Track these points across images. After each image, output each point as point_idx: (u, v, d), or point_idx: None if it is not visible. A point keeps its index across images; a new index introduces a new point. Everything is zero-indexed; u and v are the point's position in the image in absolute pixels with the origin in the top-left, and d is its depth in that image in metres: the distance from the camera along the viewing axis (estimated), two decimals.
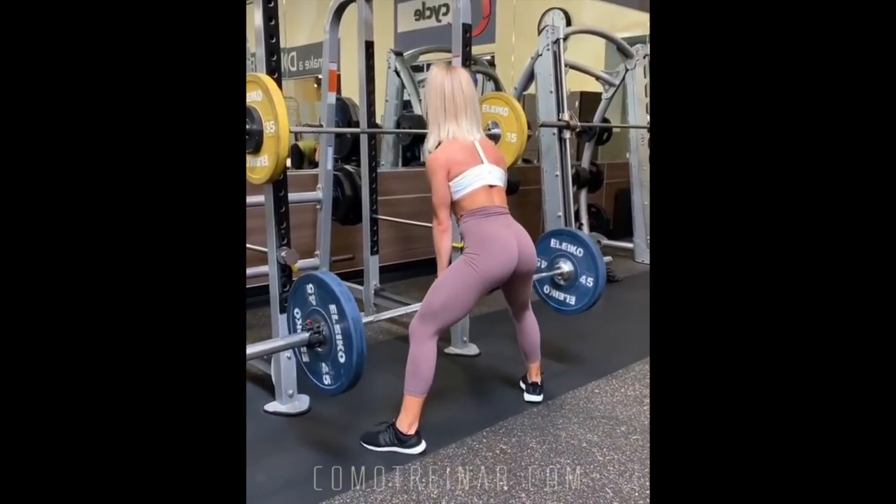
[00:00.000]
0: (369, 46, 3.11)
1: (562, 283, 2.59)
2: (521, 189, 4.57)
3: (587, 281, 2.51)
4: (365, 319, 2.13)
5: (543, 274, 2.60)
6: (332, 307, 1.77)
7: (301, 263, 3.63)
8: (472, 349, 2.86)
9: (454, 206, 2.01)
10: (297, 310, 1.91)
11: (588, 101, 5.96)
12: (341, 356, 1.76)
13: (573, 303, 2.58)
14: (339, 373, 1.78)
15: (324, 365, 1.83)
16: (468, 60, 2.64)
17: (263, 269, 2.50)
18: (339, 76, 3.45)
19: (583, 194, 5.24)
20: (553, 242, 2.61)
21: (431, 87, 1.98)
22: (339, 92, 3.54)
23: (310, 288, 1.84)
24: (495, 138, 2.78)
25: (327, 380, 1.84)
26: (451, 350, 2.84)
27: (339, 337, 1.76)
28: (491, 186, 2.00)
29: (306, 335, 1.83)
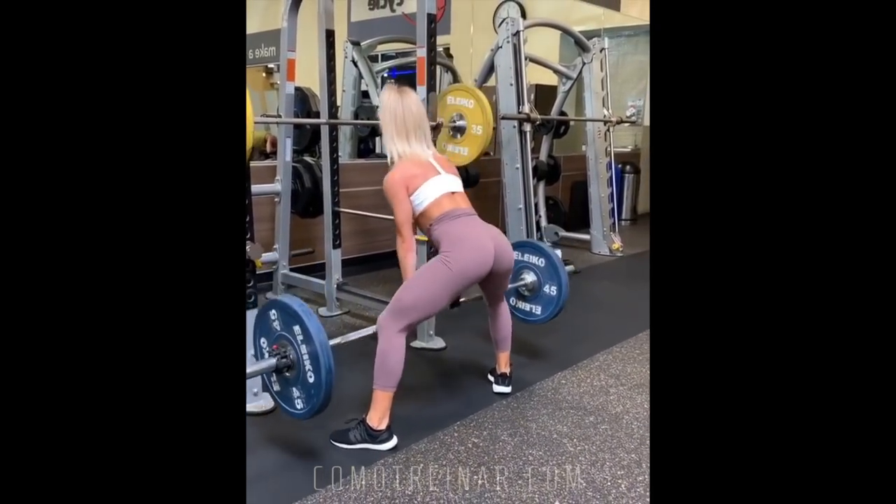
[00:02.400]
0: (329, 35, 3.04)
1: (526, 293, 2.61)
2: (481, 182, 4.58)
3: (551, 290, 2.53)
4: (332, 341, 2.08)
5: (509, 286, 2.61)
6: (296, 328, 1.73)
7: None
8: (439, 342, 2.84)
9: (421, 219, 2.02)
10: (262, 339, 1.86)
11: (544, 94, 6.01)
12: (310, 376, 1.72)
13: (539, 312, 2.60)
14: (310, 393, 1.75)
15: (294, 389, 1.79)
16: (433, 51, 2.62)
17: None
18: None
19: (541, 187, 5.29)
20: (516, 255, 2.61)
21: (383, 109, 2.04)
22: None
23: (273, 314, 1.80)
24: (460, 130, 2.77)
25: (299, 404, 1.79)
26: (418, 344, 2.82)
27: (305, 357, 1.73)
28: (453, 193, 2.03)
29: (273, 360, 1.79)
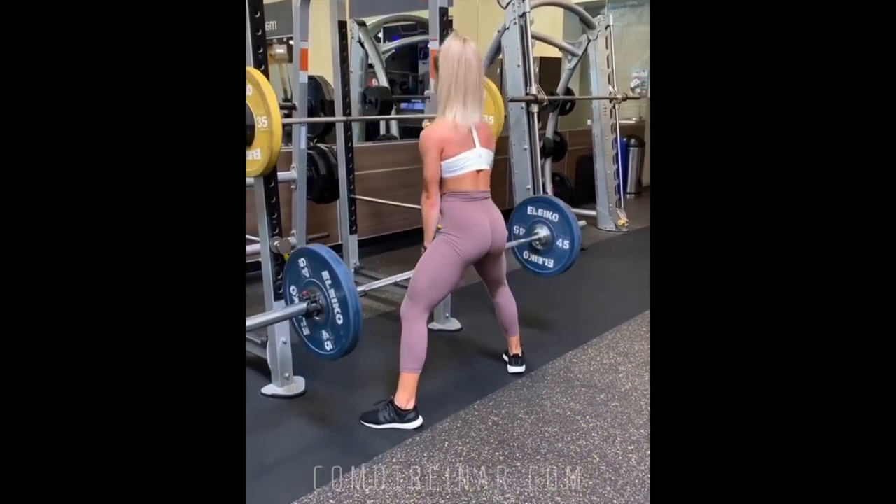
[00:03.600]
0: (342, 27, 3.11)
1: (540, 247, 2.73)
2: None
3: (563, 244, 2.65)
4: (374, 286, 2.21)
5: (522, 240, 2.73)
6: (325, 273, 1.85)
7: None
8: (455, 324, 2.98)
9: (442, 184, 2.09)
10: (292, 287, 1.99)
11: (548, 67, 6.04)
12: (339, 318, 1.85)
13: (551, 265, 2.72)
14: (339, 335, 1.87)
15: (324, 332, 1.92)
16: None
17: (253, 248, 2.57)
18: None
19: (548, 163, 5.36)
20: (530, 209, 2.73)
21: (445, 59, 1.97)
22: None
23: (302, 262, 1.93)
24: None
25: (329, 346, 1.92)
26: (434, 326, 2.96)
27: (334, 301, 1.85)
28: (478, 171, 2.10)
29: (304, 305, 1.91)
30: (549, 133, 5.32)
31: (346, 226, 3.36)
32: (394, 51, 6.08)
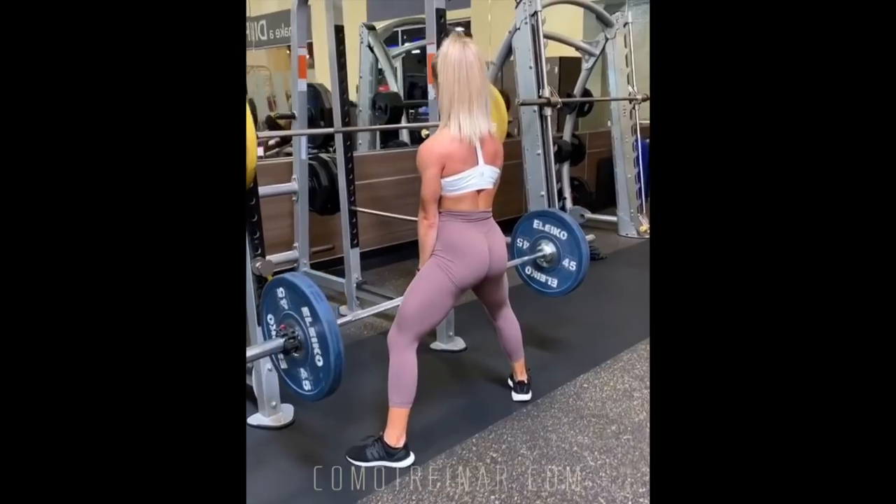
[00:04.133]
0: (339, 31, 2.96)
1: (544, 265, 2.54)
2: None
3: (570, 264, 2.46)
4: (342, 320, 2.06)
5: (526, 257, 2.55)
6: (305, 309, 1.69)
7: (279, 257, 3.55)
8: (459, 343, 2.81)
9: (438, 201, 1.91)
10: (270, 316, 1.83)
11: (567, 67, 5.83)
12: (318, 360, 1.69)
13: (555, 285, 2.53)
14: (318, 377, 1.71)
15: (302, 370, 1.76)
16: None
17: None
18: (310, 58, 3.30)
19: (565, 168, 5.17)
20: (536, 223, 2.54)
21: (444, 65, 1.77)
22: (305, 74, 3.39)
23: (280, 292, 1.76)
24: None
25: (307, 385, 1.76)
26: (437, 346, 2.80)
27: (314, 340, 1.68)
28: (479, 191, 1.91)
29: (281, 341, 1.74)
30: (567, 136, 5.12)
31: (347, 239, 3.21)
32: (418, 51, 5.96)
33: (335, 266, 3.68)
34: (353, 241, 3.21)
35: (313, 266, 3.63)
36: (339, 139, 3.07)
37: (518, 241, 2.58)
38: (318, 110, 3.42)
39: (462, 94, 1.77)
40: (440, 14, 2.50)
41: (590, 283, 2.61)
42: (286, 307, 1.75)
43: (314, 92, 3.40)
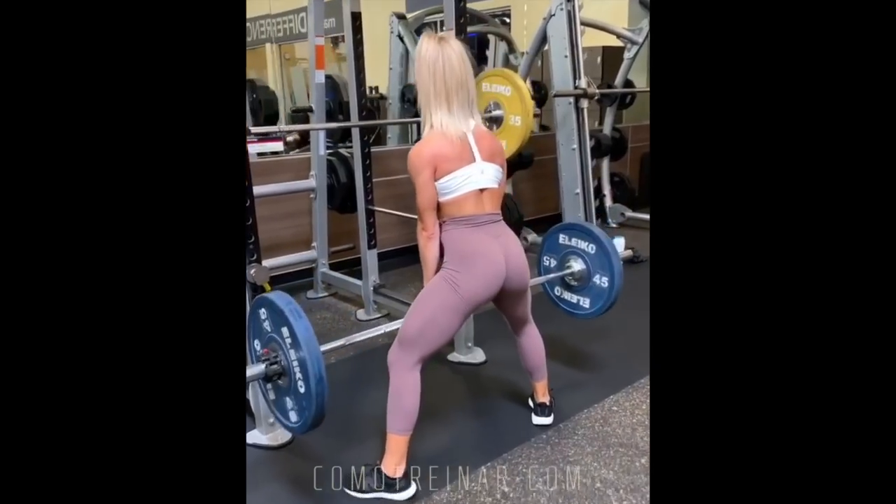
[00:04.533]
0: (356, 18, 2.77)
1: (574, 283, 2.30)
2: (537, 160, 4.23)
3: (601, 281, 2.21)
4: (356, 339, 1.85)
5: (553, 275, 2.31)
6: (284, 330, 1.51)
7: (297, 256, 3.41)
8: (478, 355, 2.60)
9: (438, 209, 1.72)
10: (256, 341, 1.66)
11: (611, 57, 5.52)
12: (301, 385, 1.50)
13: (587, 306, 2.29)
14: (302, 405, 1.52)
15: (288, 399, 1.58)
16: (463, 32, 2.31)
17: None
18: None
19: (605, 163, 4.89)
20: (562, 238, 2.30)
21: (420, 64, 1.65)
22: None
23: (262, 312, 1.59)
24: (497, 122, 2.46)
25: (293, 416, 1.58)
26: (455, 357, 2.59)
27: (295, 363, 1.50)
28: (482, 190, 1.71)
29: (262, 367, 1.57)
30: (607, 129, 4.82)
31: (364, 239, 3.03)
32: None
33: (356, 266, 3.52)
34: (370, 241, 3.04)
35: (332, 266, 3.48)
36: (355, 134, 2.89)
37: (545, 259, 2.34)
38: (336, 103, 3.25)
39: (439, 93, 1.64)
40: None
41: (627, 291, 2.34)
42: (269, 329, 1.57)
43: (332, 84, 3.23)
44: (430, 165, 1.64)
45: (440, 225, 1.73)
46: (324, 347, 1.52)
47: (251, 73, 7.70)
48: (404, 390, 1.69)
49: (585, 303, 2.29)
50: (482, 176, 1.69)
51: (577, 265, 2.25)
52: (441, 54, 1.63)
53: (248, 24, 8.27)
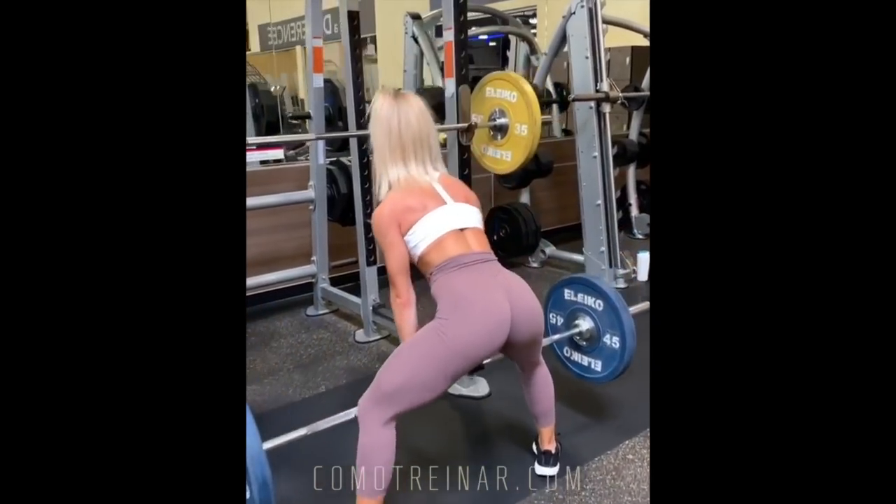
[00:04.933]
0: (353, 18, 2.56)
1: (583, 343, 2.04)
2: (556, 167, 3.96)
3: (612, 341, 1.94)
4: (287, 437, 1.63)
5: (560, 335, 2.06)
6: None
7: (297, 271, 3.21)
8: (481, 387, 2.37)
9: (420, 266, 1.55)
10: None
11: (640, 58, 5.22)
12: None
13: (599, 369, 2.02)
14: None
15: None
16: (463, 32, 2.08)
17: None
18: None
19: (631, 170, 4.60)
20: (567, 294, 2.05)
21: (373, 121, 1.58)
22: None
23: None
24: (501, 130, 2.22)
25: None
26: (456, 389, 2.36)
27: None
28: (462, 230, 1.53)
29: None
30: (633, 134, 4.54)
31: (363, 255, 2.82)
32: (486, 38, 5.57)
33: (358, 280, 3.31)
34: (369, 257, 2.82)
35: (333, 281, 3.27)
36: (353, 142, 2.68)
37: (551, 316, 2.10)
38: (335, 109, 3.05)
39: (394, 149, 1.56)
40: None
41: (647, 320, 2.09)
42: None
43: (332, 88, 3.03)
44: (394, 223, 1.51)
45: (429, 279, 1.55)
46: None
47: (282, 75, 7.62)
48: (377, 449, 1.47)
49: (597, 365, 2.03)
50: (458, 217, 1.53)
51: (584, 324, 2.00)
52: (397, 111, 1.55)
53: (279, 27, 8.19)
